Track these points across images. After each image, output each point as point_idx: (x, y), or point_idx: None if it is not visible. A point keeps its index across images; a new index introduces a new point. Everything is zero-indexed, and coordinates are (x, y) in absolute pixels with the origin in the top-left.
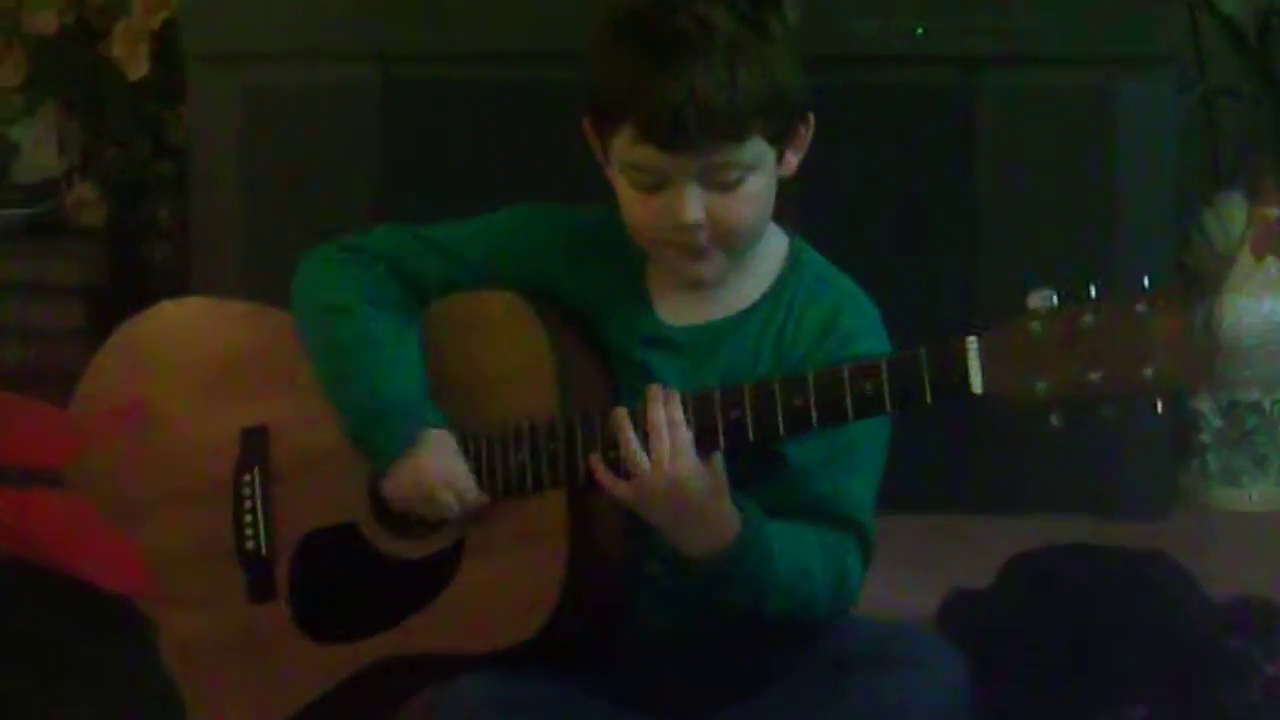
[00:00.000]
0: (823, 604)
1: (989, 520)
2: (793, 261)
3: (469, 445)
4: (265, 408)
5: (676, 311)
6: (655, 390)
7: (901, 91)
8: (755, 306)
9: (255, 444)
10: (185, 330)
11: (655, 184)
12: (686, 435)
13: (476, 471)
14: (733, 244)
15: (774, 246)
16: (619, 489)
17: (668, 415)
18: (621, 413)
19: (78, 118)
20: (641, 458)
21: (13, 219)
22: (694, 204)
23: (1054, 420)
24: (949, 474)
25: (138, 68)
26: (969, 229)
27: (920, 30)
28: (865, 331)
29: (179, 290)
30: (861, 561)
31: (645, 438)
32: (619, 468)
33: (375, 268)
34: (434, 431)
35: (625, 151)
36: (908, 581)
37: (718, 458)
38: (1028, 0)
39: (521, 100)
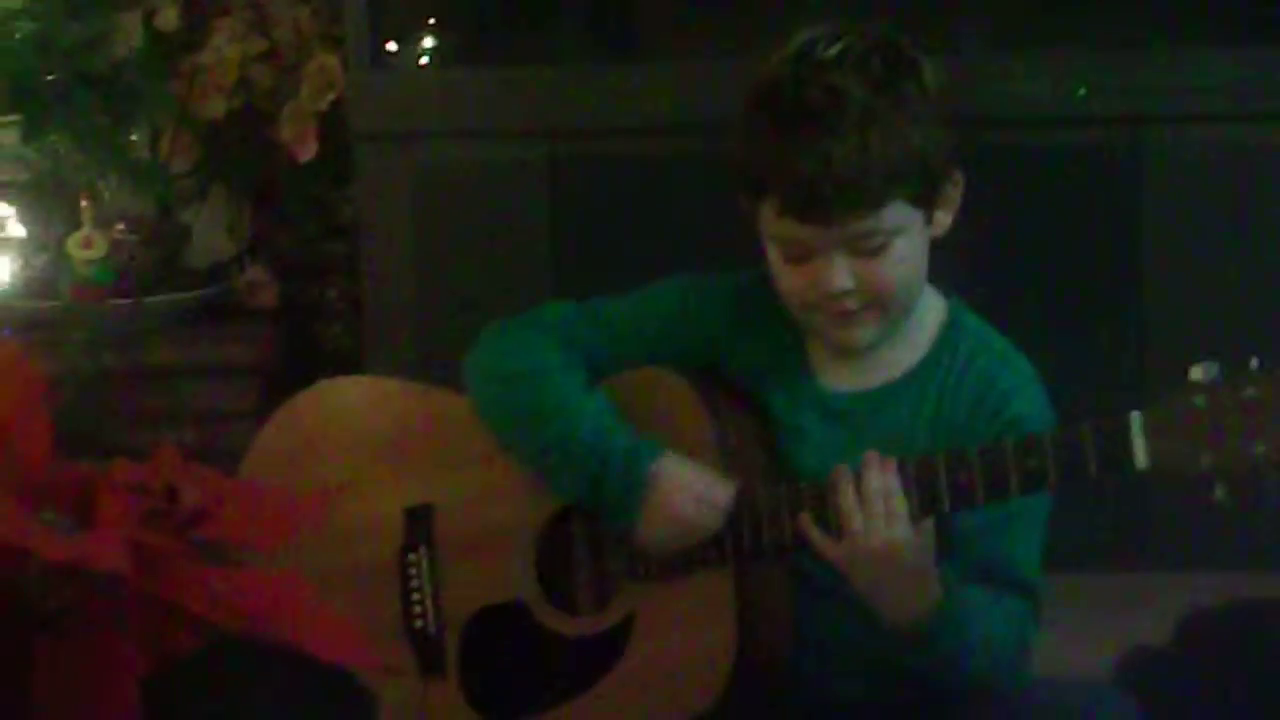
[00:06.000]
0: (1005, 669)
1: (1165, 577)
2: (951, 324)
3: None
4: (428, 486)
5: (838, 379)
6: (873, 456)
7: (1068, 152)
8: (914, 372)
9: (420, 523)
10: (348, 408)
11: (802, 254)
12: (903, 502)
13: (642, 550)
14: (886, 308)
15: (932, 309)
16: (831, 548)
17: (884, 483)
18: (842, 469)
19: (248, 200)
20: (857, 516)
21: (186, 302)
22: (841, 272)
23: (1218, 494)
24: (1125, 531)
25: (306, 149)
26: (1136, 289)
27: (1083, 91)
28: (1022, 393)
29: (352, 370)
30: (1035, 624)
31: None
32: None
33: (549, 338)
34: (660, 461)
35: (770, 225)
36: (1084, 641)
37: (929, 524)
38: (1192, 58)
39: (686, 173)
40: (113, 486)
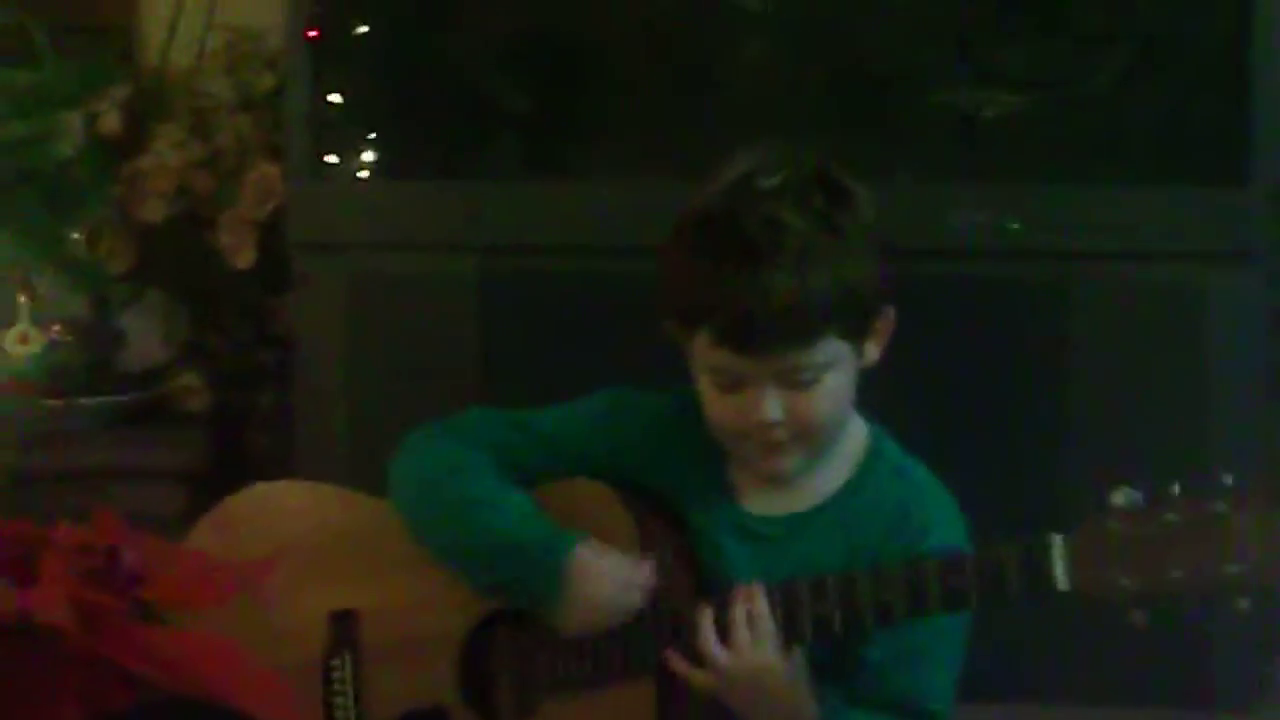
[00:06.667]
0: None
1: (1071, 710)
2: (872, 452)
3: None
4: (354, 592)
5: (758, 502)
6: (739, 586)
7: (997, 284)
8: (832, 499)
9: (344, 628)
10: (278, 511)
11: (733, 384)
12: (768, 628)
13: (566, 659)
14: (811, 439)
15: (854, 437)
16: (697, 678)
17: (751, 609)
18: (703, 606)
19: (183, 305)
20: (715, 652)
21: (118, 405)
22: (771, 404)
23: (1136, 618)
24: (1031, 662)
25: (245, 257)
26: (1059, 422)
27: (1016, 225)
28: (940, 524)
29: (281, 477)
30: None
31: (728, 628)
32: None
33: (469, 441)
34: (578, 550)
35: (704, 354)
36: None
37: (798, 651)
38: (1121, 196)
39: (616, 291)
40: (55, 546)
